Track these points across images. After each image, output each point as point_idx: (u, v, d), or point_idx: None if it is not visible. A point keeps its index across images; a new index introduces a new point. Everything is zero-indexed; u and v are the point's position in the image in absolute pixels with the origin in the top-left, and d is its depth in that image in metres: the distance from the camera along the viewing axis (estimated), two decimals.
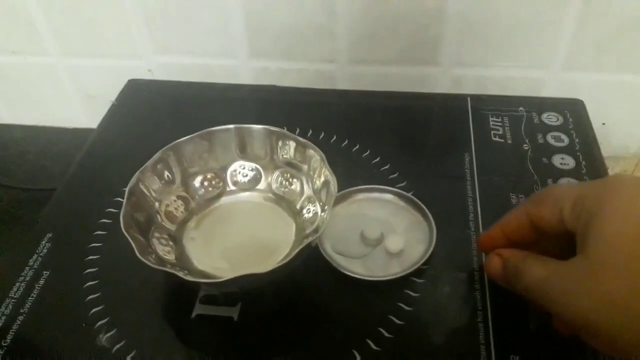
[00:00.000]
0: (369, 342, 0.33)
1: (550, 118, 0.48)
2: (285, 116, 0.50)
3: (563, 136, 0.47)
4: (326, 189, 0.38)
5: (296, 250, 0.33)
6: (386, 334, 0.33)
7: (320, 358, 0.33)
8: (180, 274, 0.32)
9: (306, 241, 0.36)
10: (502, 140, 0.46)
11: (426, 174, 0.44)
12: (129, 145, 0.48)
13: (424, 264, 0.37)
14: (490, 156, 0.45)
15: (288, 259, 0.32)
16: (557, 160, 0.44)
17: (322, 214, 0.38)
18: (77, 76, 0.59)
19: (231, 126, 0.41)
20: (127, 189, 0.36)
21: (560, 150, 0.45)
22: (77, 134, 0.59)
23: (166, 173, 0.40)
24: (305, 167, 0.41)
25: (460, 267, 0.37)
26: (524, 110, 0.49)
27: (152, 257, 0.35)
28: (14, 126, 0.63)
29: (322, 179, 0.39)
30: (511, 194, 0.42)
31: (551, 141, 0.46)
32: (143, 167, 0.38)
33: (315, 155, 0.39)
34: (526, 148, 0.45)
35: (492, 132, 0.47)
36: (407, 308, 0.35)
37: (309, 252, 0.34)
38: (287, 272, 0.33)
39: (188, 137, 0.41)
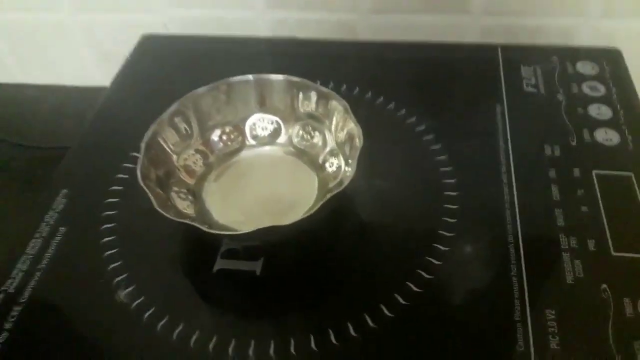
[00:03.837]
0: (397, 296, 0.32)
1: (586, 67, 0.46)
2: (305, 69, 0.48)
3: (599, 86, 0.44)
4: (350, 142, 0.36)
5: (319, 204, 0.31)
6: (414, 289, 0.32)
7: (345, 314, 0.31)
8: (202, 227, 0.31)
9: (329, 195, 0.34)
10: (535, 91, 0.44)
11: (456, 126, 0.42)
12: (144, 101, 0.47)
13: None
14: (522, 107, 0.43)
15: (311, 212, 0.31)
16: (594, 110, 0.42)
17: (346, 167, 0.36)
18: (90, 32, 0.57)
19: (250, 77, 0.40)
20: (143, 142, 0.35)
21: (596, 100, 0.43)
22: (91, 93, 0.57)
23: (183, 126, 0.38)
24: (327, 119, 0.39)
25: (492, 221, 0.35)
26: (558, 60, 0.46)
27: (171, 211, 0.33)
28: (27, 85, 0.62)
29: (346, 131, 0.37)
30: (545, 145, 0.39)
31: (587, 91, 0.44)
32: (159, 118, 0.37)
33: (338, 107, 0.37)
34: (560, 98, 0.43)
35: (524, 82, 0.45)
36: (436, 262, 0.33)
37: (333, 205, 0.32)
38: (311, 226, 0.32)
39: (205, 87, 0.39)
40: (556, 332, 0.29)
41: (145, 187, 0.32)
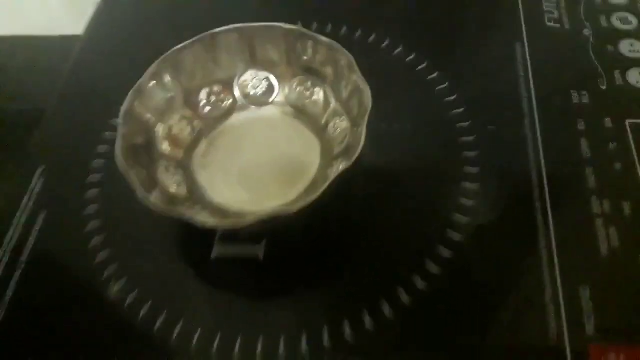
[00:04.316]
0: (416, 278, 0.29)
1: None
2: (298, 7, 0.43)
3: (630, 17, 0.39)
4: (358, 98, 0.32)
5: (327, 183, 0.27)
6: (434, 269, 0.29)
7: (362, 299, 0.28)
8: (193, 218, 0.27)
9: (338, 166, 0.31)
10: (559, 26, 0.39)
11: (472, 71, 0.37)
12: (121, 53, 0.42)
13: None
14: (545, 46, 0.38)
15: (319, 193, 0.27)
16: (625, 47, 0.37)
17: (354, 128, 0.32)
18: None
19: (236, 26, 0.35)
20: (121, 114, 0.31)
21: (628, 35, 0.38)
22: (63, 43, 0.52)
23: (165, 89, 0.34)
24: (329, 72, 0.34)
25: (516, 184, 0.32)
26: None
27: (159, 194, 0.30)
28: None
29: (350, 88, 0.33)
30: (572, 91, 0.35)
31: (617, 24, 0.39)
32: (136, 85, 0.32)
33: (341, 60, 0.33)
34: (587, 34, 0.38)
35: (545, 15, 0.40)
36: (456, 237, 0.30)
37: (344, 178, 0.28)
38: (319, 206, 0.28)
39: (185, 43, 0.34)
40: (592, 313, 0.27)
41: (126, 174, 0.28)
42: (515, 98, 0.35)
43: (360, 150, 0.28)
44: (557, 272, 0.28)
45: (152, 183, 0.30)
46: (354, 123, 0.32)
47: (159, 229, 0.32)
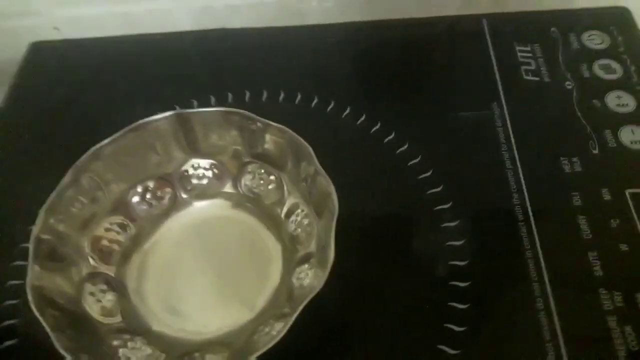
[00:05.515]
0: None
1: (593, 39, 0.37)
2: (243, 69, 0.38)
3: (614, 64, 0.35)
4: (319, 188, 0.27)
5: (291, 321, 0.22)
6: None
7: None
8: None
9: (302, 277, 0.26)
10: (537, 79, 0.35)
11: (446, 141, 0.33)
12: (43, 135, 0.36)
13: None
14: (525, 104, 0.34)
15: (283, 333, 0.22)
16: (612, 100, 0.33)
17: (320, 221, 0.27)
18: None
19: (171, 113, 0.29)
20: (31, 242, 0.25)
21: (613, 86, 0.34)
22: None
23: (88, 196, 0.28)
24: (284, 158, 0.29)
25: (512, 279, 0.27)
26: (558, 32, 0.37)
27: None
28: None
29: (311, 177, 0.28)
30: (562, 160, 0.31)
31: (600, 73, 0.35)
32: (48, 200, 0.26)
33: (297, 146, 0.28)
34: (570, 86, 0.34)
35: (522, 67, 0.35)
36: (458, 329, 0.25)
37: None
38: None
39: (110, 139, 0.28)
40: None
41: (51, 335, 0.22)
42: (499, 172, 0.31)
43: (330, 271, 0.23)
44: None
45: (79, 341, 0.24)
46: (318, 214, 0.27)
47: None
